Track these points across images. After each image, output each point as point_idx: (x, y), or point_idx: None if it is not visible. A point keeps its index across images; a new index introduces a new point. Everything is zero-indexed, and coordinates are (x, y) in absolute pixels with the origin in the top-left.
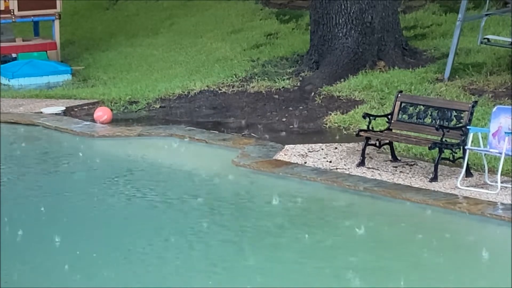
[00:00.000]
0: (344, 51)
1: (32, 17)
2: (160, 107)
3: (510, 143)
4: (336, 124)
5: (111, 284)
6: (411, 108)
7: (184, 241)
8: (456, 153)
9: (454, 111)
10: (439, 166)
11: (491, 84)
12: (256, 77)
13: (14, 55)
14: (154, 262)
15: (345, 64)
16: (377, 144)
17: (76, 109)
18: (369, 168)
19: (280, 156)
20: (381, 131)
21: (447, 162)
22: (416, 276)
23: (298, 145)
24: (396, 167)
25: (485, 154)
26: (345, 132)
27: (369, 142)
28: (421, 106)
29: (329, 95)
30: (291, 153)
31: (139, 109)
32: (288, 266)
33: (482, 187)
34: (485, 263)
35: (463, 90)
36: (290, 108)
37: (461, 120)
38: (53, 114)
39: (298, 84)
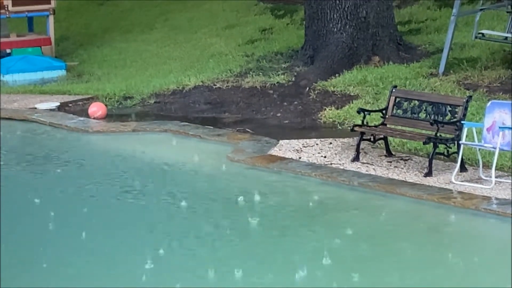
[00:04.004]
0: (339, 46)
1: (26, 13)
2: (154, 102)
3: (504, 138)
4: (330, 119)
5: (107, 282)
6: (405, 103)
7: (177, 237)
8: (451, 148)
9: (448, 106)
10: (434, 161)
11: (485, 79)
12: (250, 72)
13: (8, 50)
14: (147, 258)
15: (340, 59)
16: (372, 139)
17: (70, 105)
18: (363, 163)
19: (275, 151)
20: (375, 126)
21: (442, 157)
22: (410, 271)
23: (293, 140)
24: (390, 162)
25: (479, 149)
26: (339, 127)
27: (364, 137)
28: (416, 101)
29: (324, 90)
30: (285, 148)
31: (133, 105)
32: (281, 262)
33: (476, 182)
34: (481, 257)
35: (457, 85)
36: (285, 103)
37: (456, 115)
38: (47, 109)
39: (293, 79)
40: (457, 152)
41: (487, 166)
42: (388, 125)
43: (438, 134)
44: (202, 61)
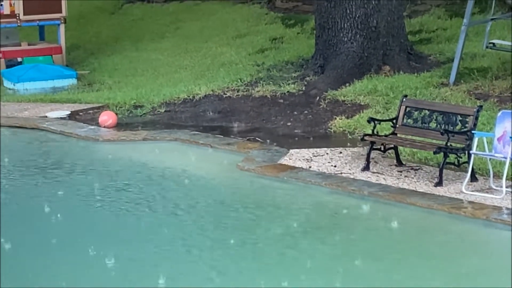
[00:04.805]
0: (349, 56)
1: (37, 22)
2: (165, 111)
3: None
4: (341, 129)
5: None
6: (416, 113)
7: (188, 246)
8: (461, 157)
9: (459, 116)
10: (444, 170)
11: (496, 88)
12: (261, 81)
13: (19, 59)
14: (159, 268)
15: (350, 69)
16: (382, 149)
17: (81, 114)
18: (374, 172)
19: (285, 160)
20: (386, 136)
21: (452, 166)
22: (420, 280)
23: (303, 149)
24: (401, 171)
25: (490, 159)
26: (350, 136)
27: (374, 147)
28: (426, 111)
29: (334, 100)
30: (295, 157)
31: (144, 114)
32: (294, 273)
33: (487, 192)
34: (490, 268)
35: (468, 94)
36: (295, 113)
37: (466, 125)
38: (58, 118)
39: (303, 88)
40: (468, 162)
41: (497, 176)
42: (398, 135)
43: (448, 144)
44: (212, 70)
